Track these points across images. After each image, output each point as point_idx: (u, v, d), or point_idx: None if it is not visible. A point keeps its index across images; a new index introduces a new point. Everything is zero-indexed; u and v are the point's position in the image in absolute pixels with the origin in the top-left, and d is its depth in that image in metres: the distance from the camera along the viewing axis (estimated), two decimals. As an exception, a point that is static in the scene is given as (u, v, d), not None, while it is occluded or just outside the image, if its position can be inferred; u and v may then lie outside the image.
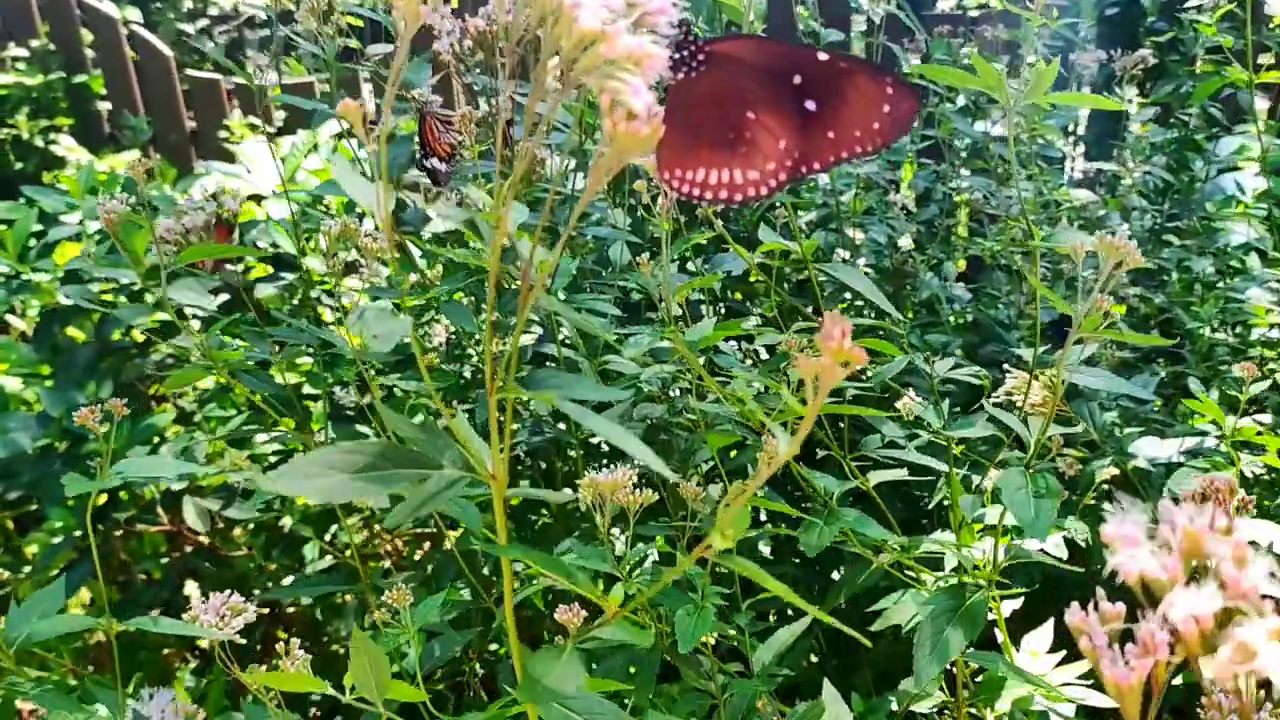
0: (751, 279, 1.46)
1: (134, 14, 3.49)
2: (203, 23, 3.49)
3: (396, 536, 1.90)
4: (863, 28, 2.99)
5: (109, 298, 1.79)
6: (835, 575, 1.27)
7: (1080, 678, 0.99)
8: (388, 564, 1.93)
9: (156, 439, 1.76)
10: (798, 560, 1.28)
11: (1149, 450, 1.16)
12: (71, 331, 1.92)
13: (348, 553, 1.76)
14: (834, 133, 0.56)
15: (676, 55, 0.54)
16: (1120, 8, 2.21)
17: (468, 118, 0.99)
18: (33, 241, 1.86)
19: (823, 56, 0.56)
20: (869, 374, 0.90)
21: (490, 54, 0.91)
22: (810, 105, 0.56)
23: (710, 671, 0.79)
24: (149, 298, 1.84)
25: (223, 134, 3.22)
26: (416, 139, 1.04)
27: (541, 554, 0.46)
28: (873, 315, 1.25)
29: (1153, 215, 1.71)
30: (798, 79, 0.55)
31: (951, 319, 1.69)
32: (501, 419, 0.43)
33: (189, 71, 3.29)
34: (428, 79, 1.24)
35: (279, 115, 3.32)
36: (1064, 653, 1.01)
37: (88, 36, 3.25)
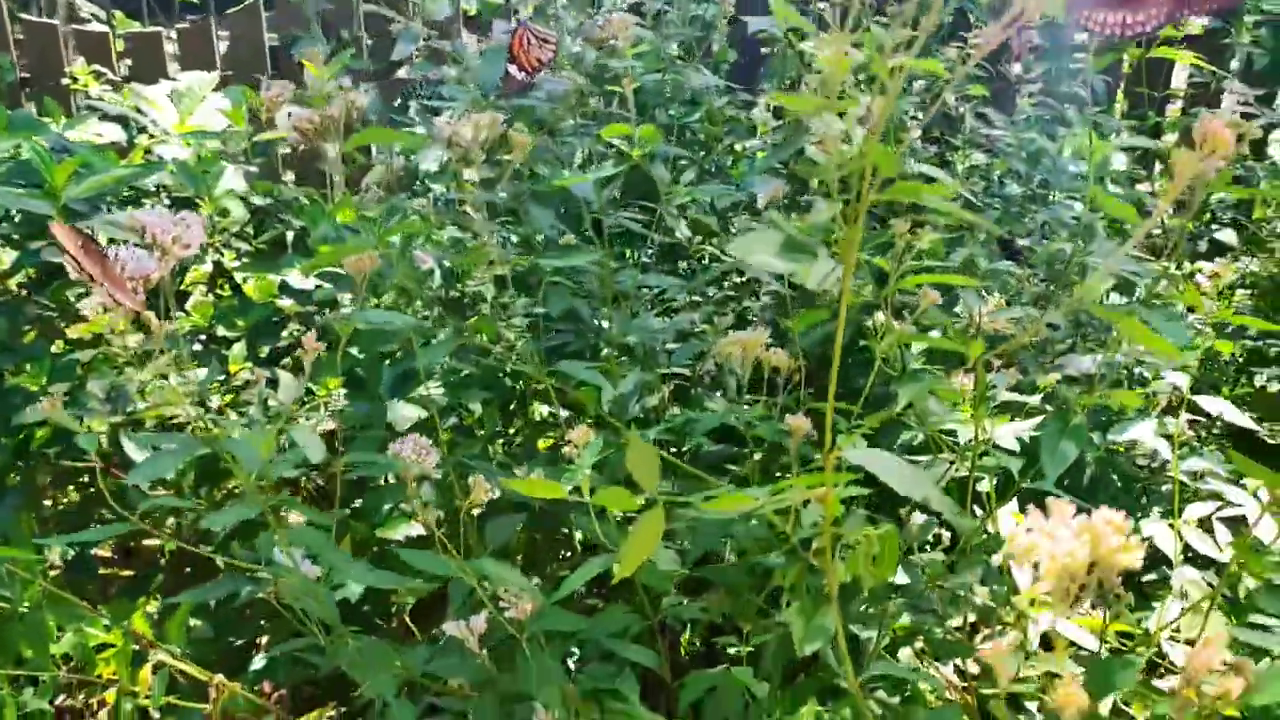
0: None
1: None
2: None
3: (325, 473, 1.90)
4: None
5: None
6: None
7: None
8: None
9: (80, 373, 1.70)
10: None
11: (1076, 365, 1.37)
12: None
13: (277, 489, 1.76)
14: None
15: None
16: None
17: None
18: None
19: None
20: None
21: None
22: None
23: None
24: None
25: (61, 80, 3.04)
26: (509, 50, 1.10)
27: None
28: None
29: (1026, 180, 1.95)
30: None
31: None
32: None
33: (25, 16, 3.09)
34: (446, 10, 1.29)
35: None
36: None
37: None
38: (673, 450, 1.29)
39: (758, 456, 1.21)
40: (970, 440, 1.08)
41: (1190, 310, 1.75)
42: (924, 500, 0.57)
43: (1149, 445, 1.17)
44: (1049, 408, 1.19)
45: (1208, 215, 2.19)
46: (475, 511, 0.83)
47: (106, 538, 0.87)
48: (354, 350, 1.52)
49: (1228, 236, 2.05)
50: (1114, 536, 0.38)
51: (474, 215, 0.88)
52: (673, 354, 1.27)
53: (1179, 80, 2.66)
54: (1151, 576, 1.41)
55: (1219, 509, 1.15)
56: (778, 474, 1.09)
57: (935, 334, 1.00)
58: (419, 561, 0.82)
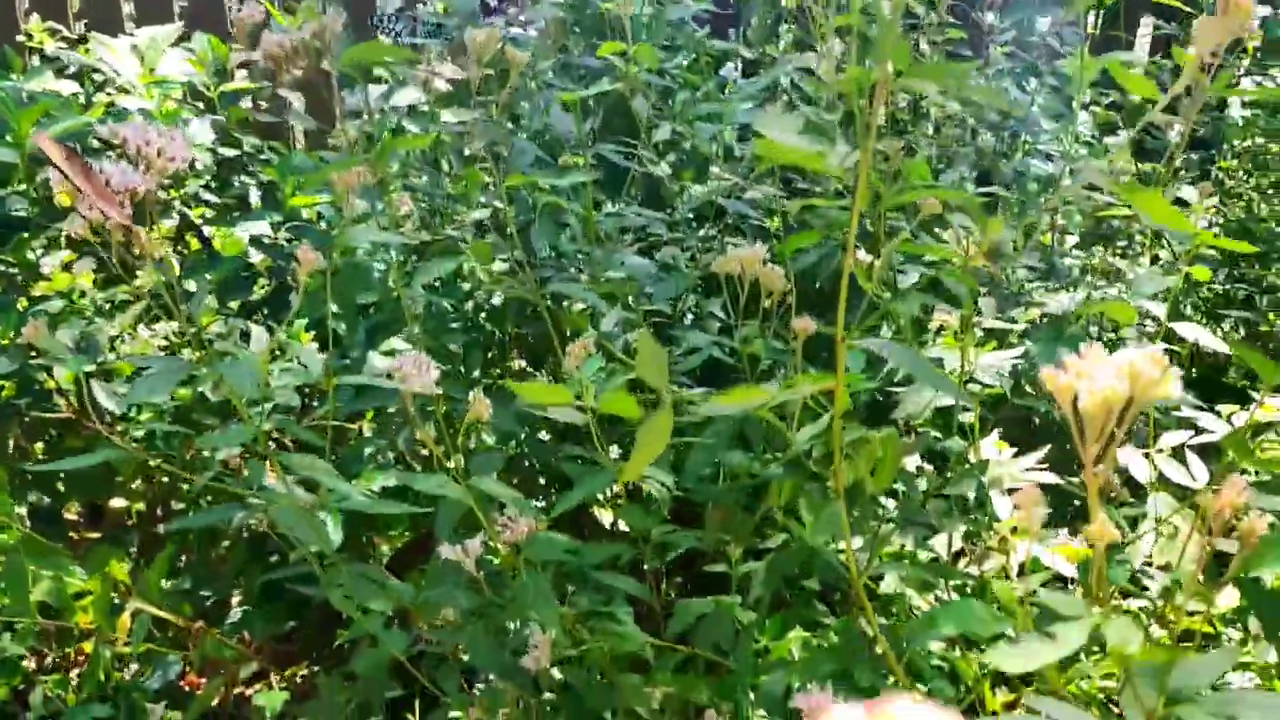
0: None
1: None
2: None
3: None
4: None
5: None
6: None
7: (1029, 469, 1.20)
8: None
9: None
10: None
11: (1054, 303, 1.39)
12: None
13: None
14: None
15: None
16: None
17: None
18: None
19: None
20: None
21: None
22: None
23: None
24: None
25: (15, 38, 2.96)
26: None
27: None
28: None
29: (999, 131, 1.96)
30: None
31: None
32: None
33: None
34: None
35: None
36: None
37: None
38: (650, 393, 1.29)
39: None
40: (956, 369, 1.10)
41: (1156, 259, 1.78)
42: (935, 389, 0.58)
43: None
44: (1029, 343, 1.22)
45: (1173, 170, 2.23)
46: (457, 463, 0.83)
47: (97, 461, 0.86)
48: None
49: (1189, 194, 2.09)
50: (1153, 370, 0.39)
51: (471, 139, 0.87)
52: (652, 295, 1.27)
53: (1143, 34, 2.70)
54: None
55: (1191, 437, 1.18)
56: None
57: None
58: (420, 483, 0.81)
